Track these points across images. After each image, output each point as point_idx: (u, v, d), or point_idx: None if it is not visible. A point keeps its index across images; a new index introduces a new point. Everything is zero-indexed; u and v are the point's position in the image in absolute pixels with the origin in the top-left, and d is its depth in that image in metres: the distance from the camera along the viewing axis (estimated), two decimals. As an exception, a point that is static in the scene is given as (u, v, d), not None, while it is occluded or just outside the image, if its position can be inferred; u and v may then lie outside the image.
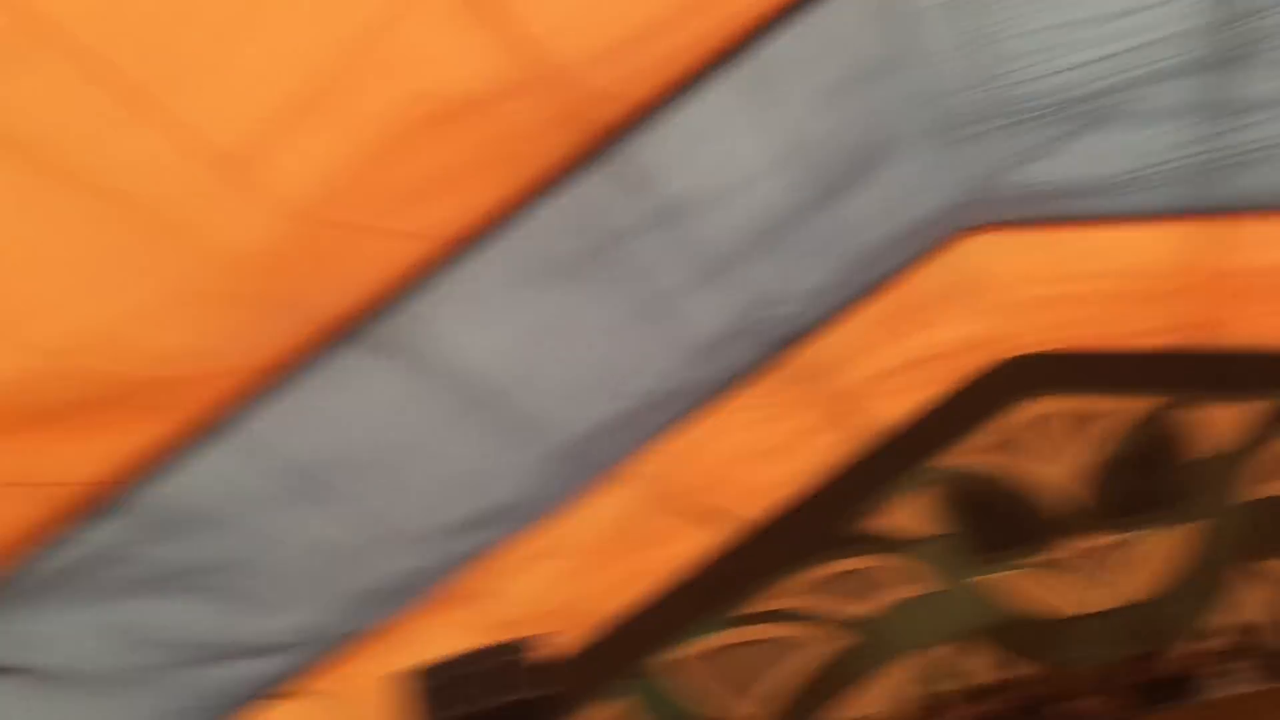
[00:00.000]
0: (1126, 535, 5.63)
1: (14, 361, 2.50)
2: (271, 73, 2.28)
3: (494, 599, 4.76)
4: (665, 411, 4.54)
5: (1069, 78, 3.55)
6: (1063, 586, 5.70)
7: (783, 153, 3.51)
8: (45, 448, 2.82)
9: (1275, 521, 5.40)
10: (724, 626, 6.06)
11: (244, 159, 2.41)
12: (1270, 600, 5.32)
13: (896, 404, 5.76)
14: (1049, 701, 5.58)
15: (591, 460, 4.50)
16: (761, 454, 5.39)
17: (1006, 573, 5.78)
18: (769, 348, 4.61)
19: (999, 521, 5.82)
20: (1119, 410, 5.76)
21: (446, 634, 4.51)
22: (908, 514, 5.97)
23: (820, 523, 5.98)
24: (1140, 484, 5.65)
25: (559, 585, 5.17)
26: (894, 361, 5.30)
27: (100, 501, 3.06)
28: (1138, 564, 5.62)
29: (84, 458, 2.95)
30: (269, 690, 4.22)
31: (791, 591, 6.01)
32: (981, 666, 5.76)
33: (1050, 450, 5.82)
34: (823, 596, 5.97)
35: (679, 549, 5.78)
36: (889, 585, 5.92)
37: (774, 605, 6.02)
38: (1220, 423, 5.59)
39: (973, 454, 5.94)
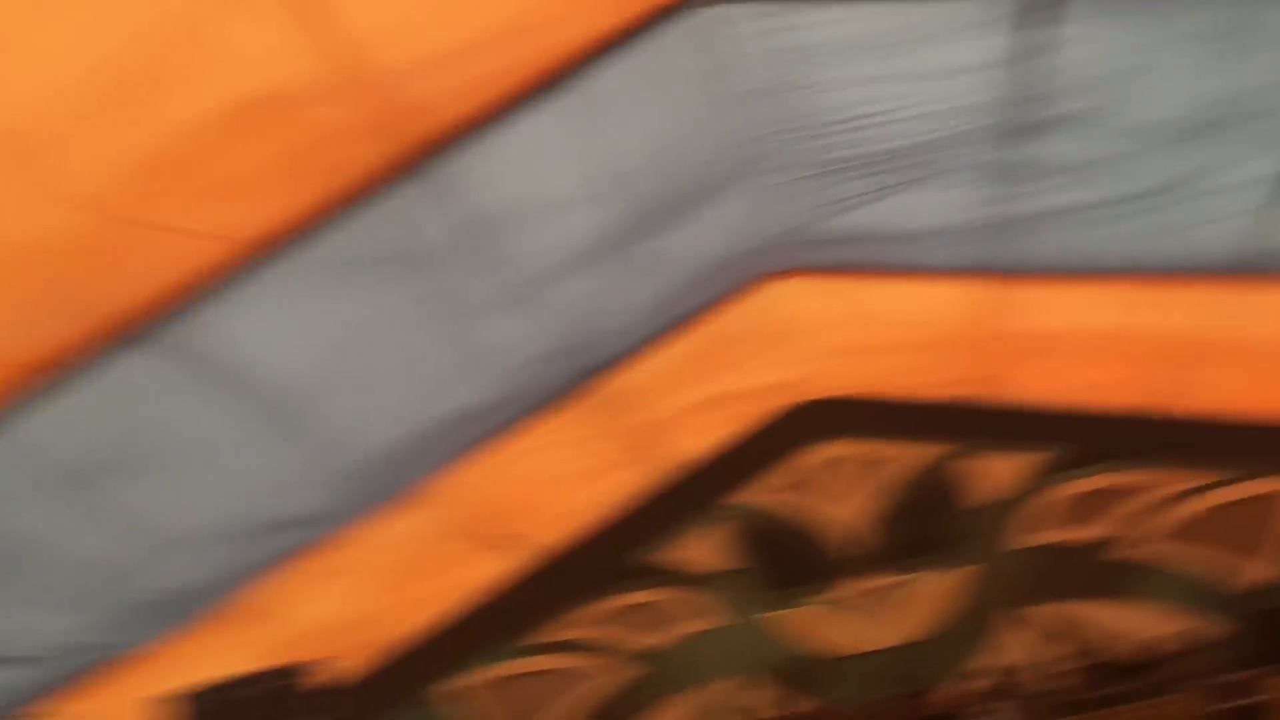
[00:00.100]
0: (905, 577, 5.86)
1: None
2: (68, 57, 2.16)
3: (275, 619, 4.58)
4: (467, 433, 4.49)
5: (881, 132, 3.71)
6: (843, 625, 5.89)
7: (599, 182, 3.54)
8: None
9: (1041, 569, 5.73)
10: (512, 655, 6.00)
11: (33, 145, 2.28)
12: (1033, 644, 5.62)
13: (697, 440, 5.85)
14: (824, 737, 5.75)
15: (388, 479, 4.40)
16: (561, 482, 5.39)
17: (792, 610, 5.92)
18: (575, 375, 4.62)
19: (787, 559, 5.98)
20: (904, 457, 6.01)
21: (222, 655, 4.32)
22: (700, 549, 6.06)
23: (614, 554, 6.01)
24: (921, 528, 5.90)
25: (345, 607, 5.03)
26: (697, 398, 5.38)
27: None
28: (914, 605, 5.86)
29: None
30: (18, 709, 3.94)
31: (581, 622, 6.01)
32: (762, 702, 5.87)
33: (839, 492, 6.02)
34: (612, 628, 5.99)
35: (471, 575, 5.70)
36: (678, 619, 5.99)
37: (563, 635, 6.01)
38: (996, 473, 5.90)
39: (766, 493, 6.08)
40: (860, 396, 5.90)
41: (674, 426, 5.52)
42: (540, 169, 3.33)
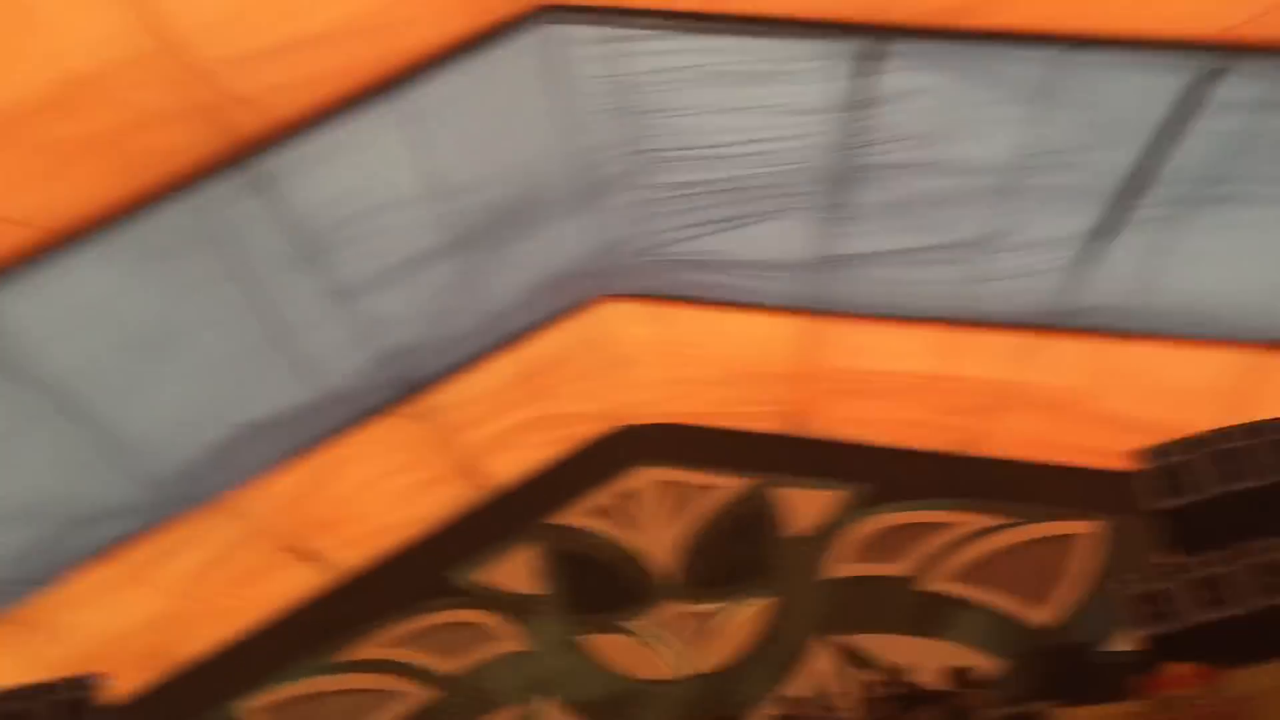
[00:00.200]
0: (715, 605, 5.94)
1: None
2: None
3: (55, 630, 4.32)
4: (280, 439, 4.33)
5: (717, 165, 3.78)
6: (650, 651, 5.91)
7: (433, 190, 3.49)
8: None
9: (846, 601, 5.88)
10: (315, 673, 5.82)
11: None
12: (838, 671, 5.76)
13: (514, 461, 5.81)
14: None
15: (194, 481, 4.21)
16: (377, 495, 5.27)
17: (603, 634, 5.92)
18: (396, 387, 4.53)
19: (600, 584, 5.98)
20: (718, 485, 6.11)
21: (3, 664, 4.05)
22: (511, 571, 6.02)
23: (427, 572, 5.91)
24: (730, 557, 5.99)
25: (143, 616, 4.78)
26: (517, 419, 5.35)
27: None
28: (723, 633, 5.93)
29: None
30: None
31: (388, 641, 5.89)
32: (571, 727, 5.86)
33: (652, 519, 6.07)
34: (421, 648, 5.88)
35: (280, 587, 5.50)
36: (485, 640, 5.92)
37: (369, 654, 5.86)
38: (806, 506, 6.04)
39: (580, 516, 6.09)
40: (679, 423, 5.96)
41: (495, 445, 5.47)
42: (373, 171, 3.27)
